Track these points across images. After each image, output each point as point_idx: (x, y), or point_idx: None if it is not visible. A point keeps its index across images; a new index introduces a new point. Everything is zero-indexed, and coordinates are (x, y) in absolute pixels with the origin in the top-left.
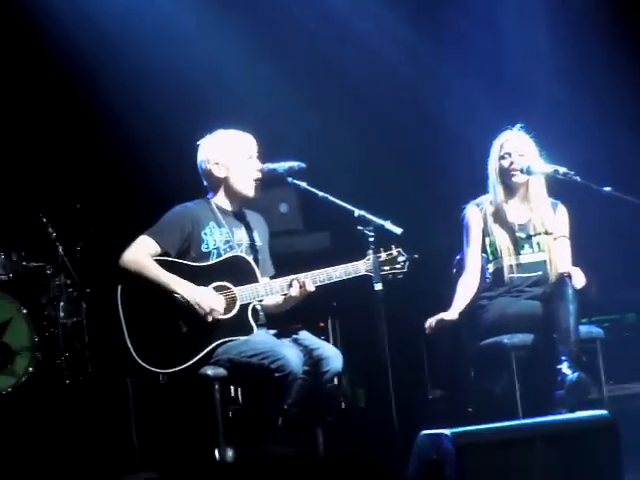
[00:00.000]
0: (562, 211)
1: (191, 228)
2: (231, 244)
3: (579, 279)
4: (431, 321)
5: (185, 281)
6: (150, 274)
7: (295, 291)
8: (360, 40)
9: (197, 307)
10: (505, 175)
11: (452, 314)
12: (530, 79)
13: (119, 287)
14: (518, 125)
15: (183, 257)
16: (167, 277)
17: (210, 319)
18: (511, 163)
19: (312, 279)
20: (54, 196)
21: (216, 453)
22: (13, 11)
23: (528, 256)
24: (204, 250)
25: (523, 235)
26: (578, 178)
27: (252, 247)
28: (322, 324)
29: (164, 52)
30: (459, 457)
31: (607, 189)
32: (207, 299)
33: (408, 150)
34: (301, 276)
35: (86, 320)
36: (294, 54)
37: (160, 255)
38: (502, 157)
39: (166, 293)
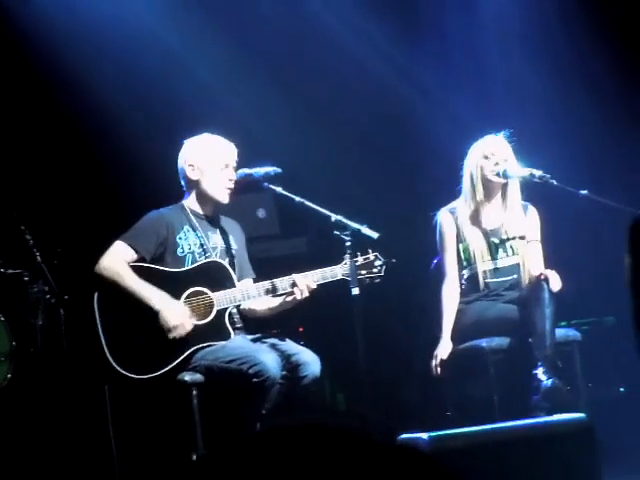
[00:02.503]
0: (532, 213)
1: (166, 233)
2: (205, 247)
3: (555, 282)
4: (434, 366)
5: (159, 292)
6: (125, 283)
7: (299, 289)
8: (338, 45)
9: (163, 322)
10: (485, 176)
11: (446, 346)
12: (509, 80)
13: (95, 294)
14: (504, 132)
15: (159, 262)
16: (141, 287)
17: (170, 337)
18: (496, 164)
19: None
20: (32, 203)
21: (194, 458)
22: None
23: (503, 260)
24: (179, 254)
25: (497, 240)
26: (554, 181)
27: (228, 251)
28: (301, 329)
29: (147, 61)
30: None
31: (583, 192)
32: (174, 318)
33: (385, 155)
34: (298, 276)
35: (64, 327)
36: (272, 60)
37: (136, 260)
38: (485, 157)
39: (141, 300)
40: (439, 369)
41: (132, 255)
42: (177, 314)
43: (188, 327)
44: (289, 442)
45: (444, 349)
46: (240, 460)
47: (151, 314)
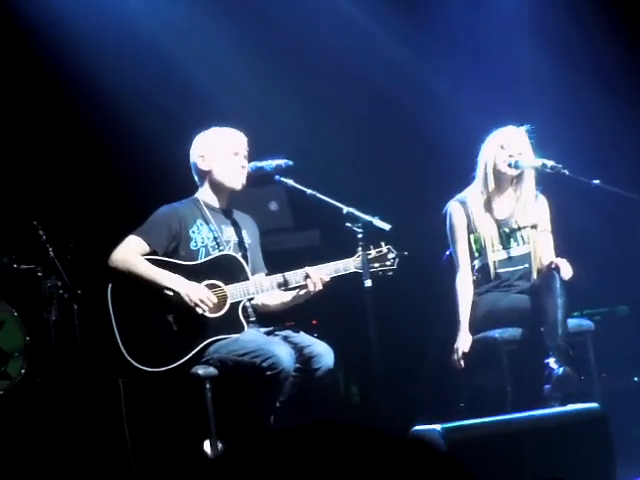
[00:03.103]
0: (542, 202)
1: (179, 227)
2: (219, 241)
3: (566, 270)
4: (456, 360)
5: (176, 275)
6: (140, 271)
7: (313, 282)
8: (347, 38)
9: (187, 299)
10: (497, 166)
11: (465, 338)
12: (519, 70)
13: (109, 286)
14: (526, 125)
15: (172, 256)
16: (157, 273)
17: (200, 311)
18: (510, 155)
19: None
20: (44, 198)
21: (207, 447)
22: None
23: (513, 250)
24: (192, 248)
25: (507, 229)
26: (566, 171)
27: (241, 245)
28: (314, 322)
29: (158, 56)
30: (449, 453)
31: (596, 182)
32: (197, 292)
33: (395, 146)
34: (311, 269)
35: (78, 322)
36: (282, 53)
37: (148, 254)
38: (501, 147)
39: (156, 290)
40: (462, 362)
41: (144, 249)
42: (199, 289)
43: (214, 299)
44: (298, 441)
45: (464, 341)
46: (251, 461)
47: (165, 306)
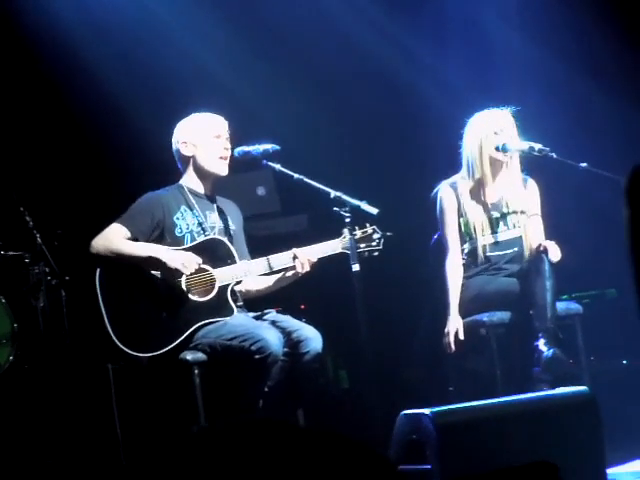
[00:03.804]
0: (532, 186)
1: (162, 215)
2: (204, 226)
3: (555, 253)
4: (447, 343)
5: (158, 245)
6: (121, 248)
7: (300, 262)
8: (337, 21)
9: (171, 264)
10: (492, 151)
11: (455, 321)
12: (507, 52)
13: (97, 271)
14: (511, 107)
15: (158, 243)
16: (139, 246)
17: (187, 272)
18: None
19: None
20: (31, 184)
21: None
22: None
23: (503, 234)
24: (178, 234)
25: (497, 214)
26: (554, 154)
27: (226, 231)
28: (303, 306)
29: (146, 43)
30: (439, 437)
31: (583, 165)
32: (180, 255)
33: (383, 130)
34: (298, 250)
35: (66, 308)
36: (269, 36)
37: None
38: (495, 133)
39: (140, 266)
40: (452, 346)
41: (126, 235)
42: (182, 253)
43: (199, 260)
44: (231, 437)
45: (454, 325)
46: (178, 457)
47: (154, 291)
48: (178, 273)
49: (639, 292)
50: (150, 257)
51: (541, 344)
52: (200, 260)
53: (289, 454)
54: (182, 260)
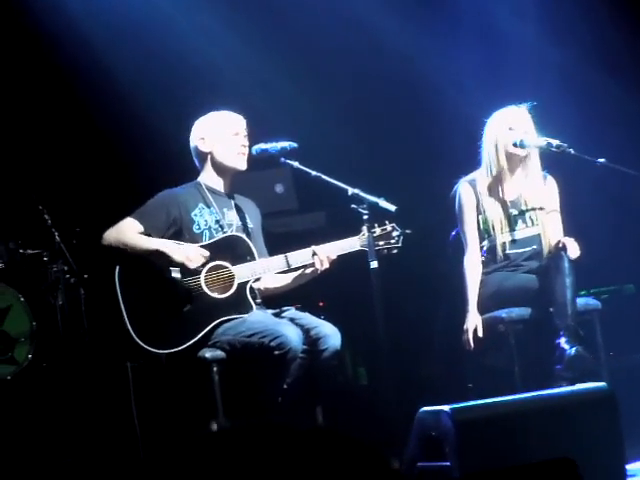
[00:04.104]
0: (551, 183)
1: (178, 212)
2: (222, 224)
3: (573, 249)
4: (466, 340)
5: (167, 241)
6: (133, 243)
7: (319, 259)
8: (353, 19)
9: (176, 258)
10: (507, 147)
11: (474, 318)
12: (524, 48)
13: (117, 268)
14: (528, 103)
15: (177, 239)
16: (148, 240)
17: (192, 266)
18: (519, 136)
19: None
20: (49, 183)
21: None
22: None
23: (522, 231)
24: (196, 231)
25: (516, 211)
26: (572, 150)
27: (244, 228)
28: (321, 304)
29: (163, 41)
30: (458, 433)
31: (601, 160)
32: (186, 249)
33: (401, 127)
34: (317, 247)
35: (84, 306)
36: (287, 35)
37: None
38: (510, 129)
39: (162, 267)
40: (472, 342)
41: (139, 230)
42: (188, 247)
43: (205, 253)
44: (237, 440)
45: (473, 322)
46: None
47: (173, 288)
48: (187, 268)
49: None
50: (157, 250)
51: (562, 342)
52: (207, 253)
53: (284, 458)
54: (187, 254)
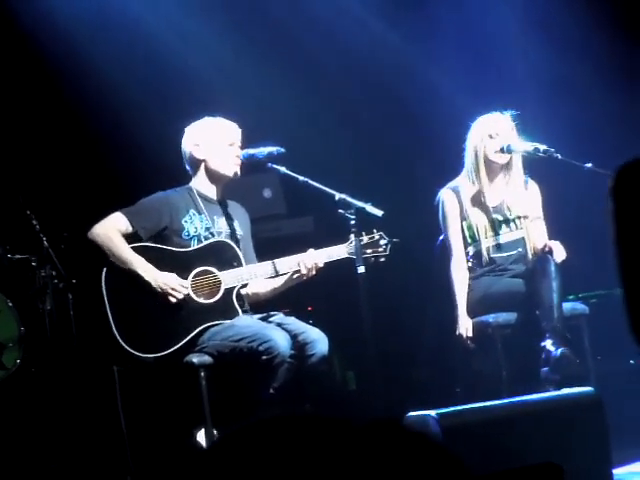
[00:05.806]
0: (533, 187)
1: (169, 217)
2: (211, 231)
3: (560, 253)
4: (464, 343)
5: (149, 265)
6: (118, 252)
7: (307, 267)
8: (341, 26)
9: (159, 289)
10: (488, 155)
11: (465, 322)
12: (509, 56)
13: (103, 271)
14: (510, 112)
15: (166, 244)
16: (134, 259)
17: (173, 300)
18: (499, 144)
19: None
20: (37, 187)
21: (202, 436)
22: None
23: (506, 235)
24: (185, 238)
25: (500, 217)
26: (559, 155)
27: (233, 236)
28: (310, 308)
29: (152, 44)
30: (445, 438)
31: (588, 165)
32: (169, 281)
33: (387, 133)
34: (305, 255)
35: (73, 311)
36: (275, 40)
37: (130, 235)
38: (490, 136)
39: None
40: (469, 345)
41: (127, 227)
42: (169, 278)
43: (186, 284)
44: (265, 436)
45: (464, 325)
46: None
47: (160, 293)
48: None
49: (624, 286)
50: (137, 274)
51: (548, 344)
52: (187, 285)
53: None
54: (171, 286)
